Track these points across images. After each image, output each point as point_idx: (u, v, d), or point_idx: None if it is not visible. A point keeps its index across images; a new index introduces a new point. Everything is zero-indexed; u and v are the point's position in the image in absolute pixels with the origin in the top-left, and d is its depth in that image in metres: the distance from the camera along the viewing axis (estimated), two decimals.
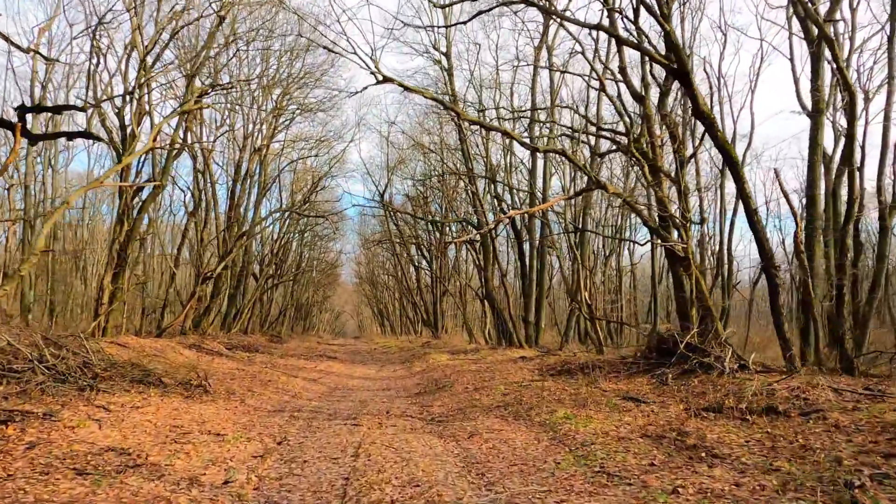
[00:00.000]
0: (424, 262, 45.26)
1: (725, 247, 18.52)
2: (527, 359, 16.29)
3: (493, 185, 25.07)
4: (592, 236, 28.60)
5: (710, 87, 19.84)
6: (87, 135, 11.86)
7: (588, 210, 22.03)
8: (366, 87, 11.90)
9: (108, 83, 17.14)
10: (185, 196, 29.29)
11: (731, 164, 9.87)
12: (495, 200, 24.75)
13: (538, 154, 21.58)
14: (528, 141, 12.49)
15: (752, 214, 9.97)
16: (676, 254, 12.87)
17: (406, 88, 12.06)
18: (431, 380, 15.27)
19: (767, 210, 27.10)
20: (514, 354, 19.26)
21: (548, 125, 18.11)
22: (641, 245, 13.64)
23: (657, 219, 12.96)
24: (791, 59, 17.52)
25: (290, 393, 12.75)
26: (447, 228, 43.55)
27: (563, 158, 23.44)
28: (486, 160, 24.13)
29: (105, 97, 13.98)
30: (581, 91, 24.66)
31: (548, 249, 21.14)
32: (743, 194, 9.86)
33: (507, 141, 22.76)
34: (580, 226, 19.93)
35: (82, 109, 12.04)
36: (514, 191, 23.80)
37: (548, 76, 24.37)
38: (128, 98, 16.17)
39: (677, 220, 11.06)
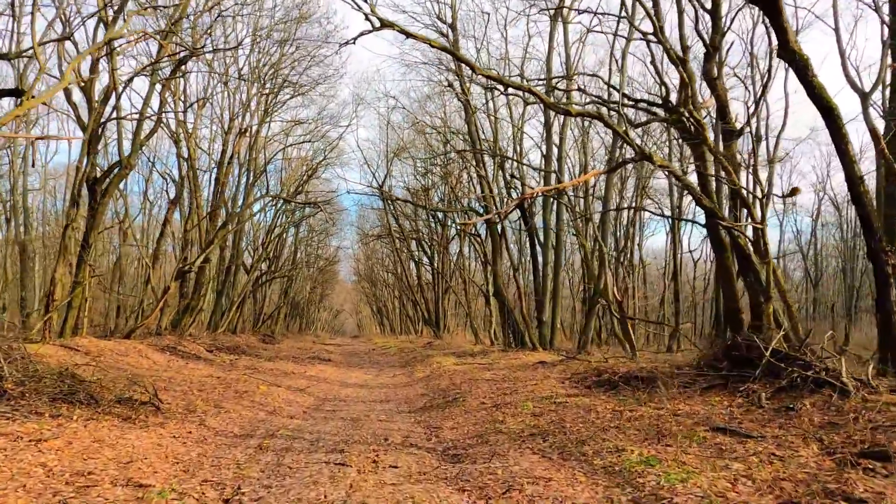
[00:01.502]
0: (425, 259, 42.98)
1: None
2: (547, 364, 14.03)
3: (502, 170, 22.81)
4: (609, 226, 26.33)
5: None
6: (13, 92, 9.62)
7: (610, 192, 19.73)
8: (361, 34, 9.43)
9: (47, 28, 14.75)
10: (166, 184, 27.03)
11: (830, 118, 7.60)
12: (504, 186, 22.47)
13: (553, 131, 19.34)
14: (556, 103, 10.27)
15: (856, 183, 7.70)
16: (737, 240, 10.61)
17: (408, 35, 9.81)
18: (438, 389, 13.00)
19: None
20: (529, 359, 17.00)
21: (566, 95, 15.85)
22: (702, 226, 11.37)
23: (711, 197, 10.70)
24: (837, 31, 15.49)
25: (267, 408, 10.48)
26: (450, 222, 41.34)
27: (584, 133, 21.09)
28: (493, 143, 21.84)
29: (42, 42, 11.63)
30: (601, 63, 22.33)
31: (570, 236, 18.85)
32: (845, 158, 7.59)
33: (520, 118, 20.47)
34: (599, 210, 17.61)
35: (5, 58, 9.78)
36: (526, 172, 21.50)
37: (563, 52, 22.13)
38: (93, 58, 13.85)
39: (751, 196, 8.80)
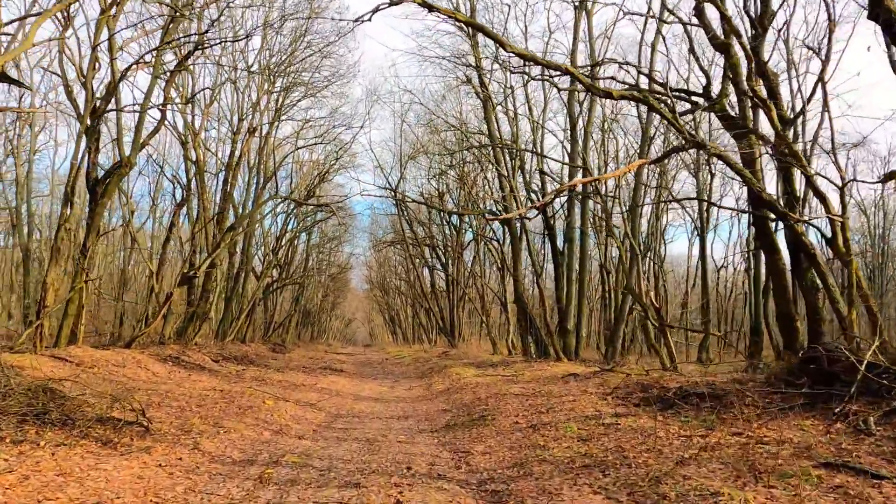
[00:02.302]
0: (439, 265, 41.81)
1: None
2: (580, 377, 12.80)
3: (522, 172, 21.65)
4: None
5: None
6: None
7: (639, 191, 18.48)
8: (377, 9, 8.31)
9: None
10: (174, 188, 26.11)
11: None
12: (524, 186, 21.30)
13: (578, 126, 18.17)
14: (595, 84, 9.13)
15: None
16: (800, 238, 9.39)
17: (431, 8, 8.75)
18: (461, 405, 11.83)
19: None
20: (556, 370, 15.78)
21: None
22: (772, 220, 10.12)
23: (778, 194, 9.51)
24: None
25: (273, 426, 9.36)
26: (465, 227, 40.18)
27: (605, 133, 19.87)
28: (514, 141, 20.70)
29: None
30: (625, 57, 21.17)
31: (602, 237, 17.65)
32: None
33: (541, 115, 19.32)
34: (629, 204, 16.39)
35: None
36: (547, 172, 20.31)
37: (587, 46, 21.03)
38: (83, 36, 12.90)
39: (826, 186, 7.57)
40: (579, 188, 19.22)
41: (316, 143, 28.02)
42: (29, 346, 12.32)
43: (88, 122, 13.24)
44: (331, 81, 23.68)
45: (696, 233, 32.75)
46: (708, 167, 8.48)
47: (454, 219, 39.96)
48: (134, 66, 14.95)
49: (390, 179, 31.09)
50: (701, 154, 15.29)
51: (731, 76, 12.21)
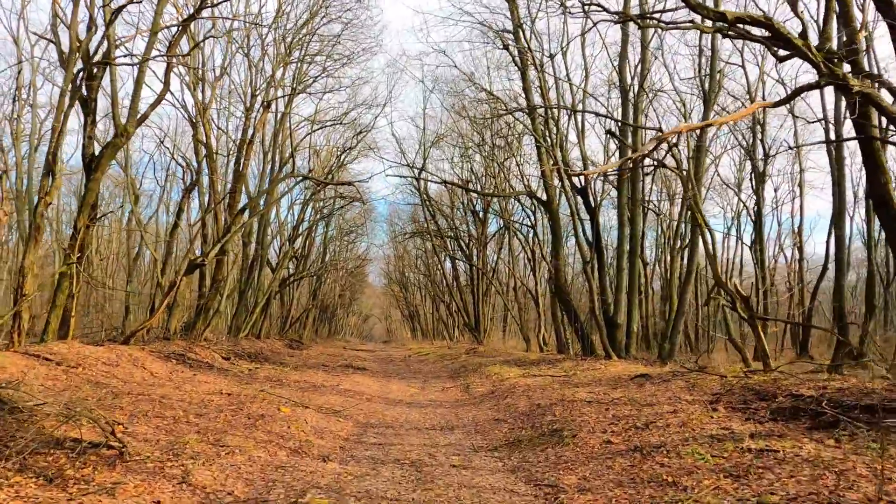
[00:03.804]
0: (462, 257, 39.69)
1: None
2: (654, 379, 10.67)
3: (561, 150, 19.47)
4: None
5: None
6: None
7: (701, 161, 16.14)
8: None
9: None
10: (184, 173, 24.28)
11: None
12: (562, 163, 19.08)
13: (632, 87, 15.95)
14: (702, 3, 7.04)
15: None
16: None
17: None
18: (517, 413, 9.76)
19: None
20: (614, 370, 13.67)
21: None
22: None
23: None
24: None
25: (290, 443, 7.37)
26: (490, 217, 38.08)
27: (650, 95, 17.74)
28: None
29: None
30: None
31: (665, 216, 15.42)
32: None
33: (583, 81, 17.15)
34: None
35: None
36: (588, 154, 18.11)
37: None
38: None
39: None
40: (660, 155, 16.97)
41: (335, 125, 26.05)
42: (5, 342, 10.46)
43: (75, 79, 11.33)
44: (353, 53, 21.68)
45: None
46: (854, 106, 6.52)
47: (479, 208, 37.98)
48: (131, 33, 13.09)
49: (414, 164, 28.97)
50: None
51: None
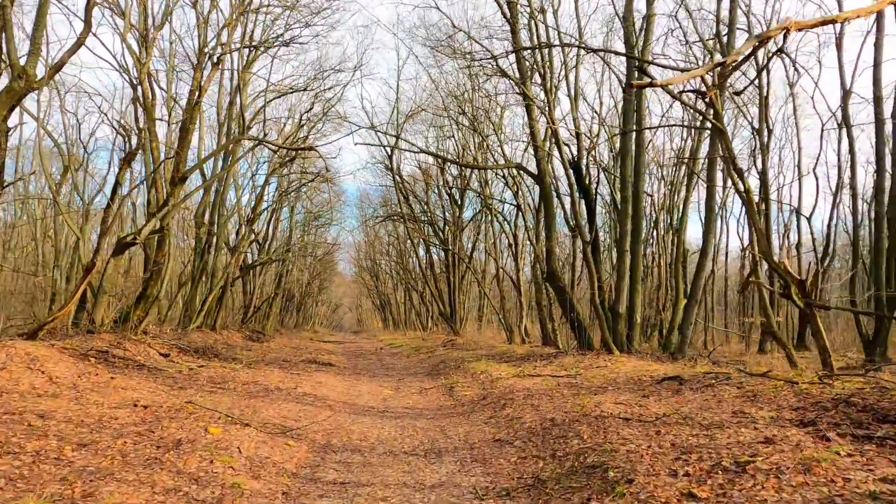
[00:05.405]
0: (437, 242, 37.33)
1: None
2: (692, 384, 8.51)
3: (551, 124, 17.21)
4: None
5: None
6: None
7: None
8: None
9: None
10: (115, 138, 21.38)
11: None
12: (552, 138, 16.85)
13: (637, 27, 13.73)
14: None
15: None
16: None
17: None
18: (525, 431, 7.47)
19: None
20: (626, 368, 11.54)
21: None
22: None
23: None
24: None
25: (205, 494, 4.96)
26: (467, 202, 35.87)
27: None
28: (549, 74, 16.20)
29: None
30: None
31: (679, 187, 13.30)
32: None
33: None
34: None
35: None
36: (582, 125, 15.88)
37: None
38: None
39: None
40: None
41: (299, 91, 23.32)
42: None
43: None
44: (319, 5, 19.03)
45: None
46: None
47: (455, 193, 35.70)
48: None
49: (388, 134, 26.37)
50: None
51: None
